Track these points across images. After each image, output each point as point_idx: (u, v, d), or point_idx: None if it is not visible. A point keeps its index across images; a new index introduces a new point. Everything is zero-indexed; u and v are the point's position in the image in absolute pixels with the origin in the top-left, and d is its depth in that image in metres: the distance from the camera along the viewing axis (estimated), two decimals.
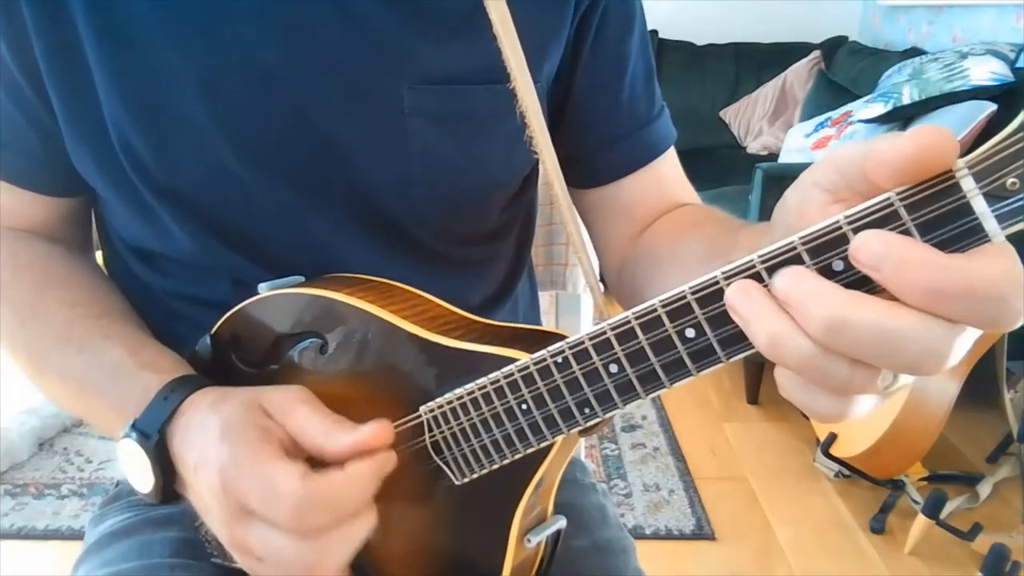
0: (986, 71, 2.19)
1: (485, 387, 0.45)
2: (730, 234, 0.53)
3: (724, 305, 0.34)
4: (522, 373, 0.43)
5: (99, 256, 0.70)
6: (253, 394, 0.49)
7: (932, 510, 1.65)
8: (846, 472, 1.91)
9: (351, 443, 0.46)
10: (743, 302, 0.33)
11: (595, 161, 0.67)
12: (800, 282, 0.31)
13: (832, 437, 1.85)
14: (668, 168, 0.69)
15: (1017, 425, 1.79)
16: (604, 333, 0.38)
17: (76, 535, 1.80)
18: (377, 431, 0.46)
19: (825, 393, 0.33)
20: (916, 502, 1.76)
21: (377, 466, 0.46)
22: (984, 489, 1.84)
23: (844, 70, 3.17)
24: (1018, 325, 0.29)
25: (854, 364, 0.31)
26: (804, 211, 0.34)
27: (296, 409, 0.48)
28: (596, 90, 0.65)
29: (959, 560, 1.68)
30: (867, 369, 0.31)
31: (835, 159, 0.33)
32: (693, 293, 0.35)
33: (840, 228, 0.31)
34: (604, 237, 0.71)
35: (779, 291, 0.32)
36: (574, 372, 0.40)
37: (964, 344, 0.30)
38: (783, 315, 0.32)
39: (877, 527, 1.78)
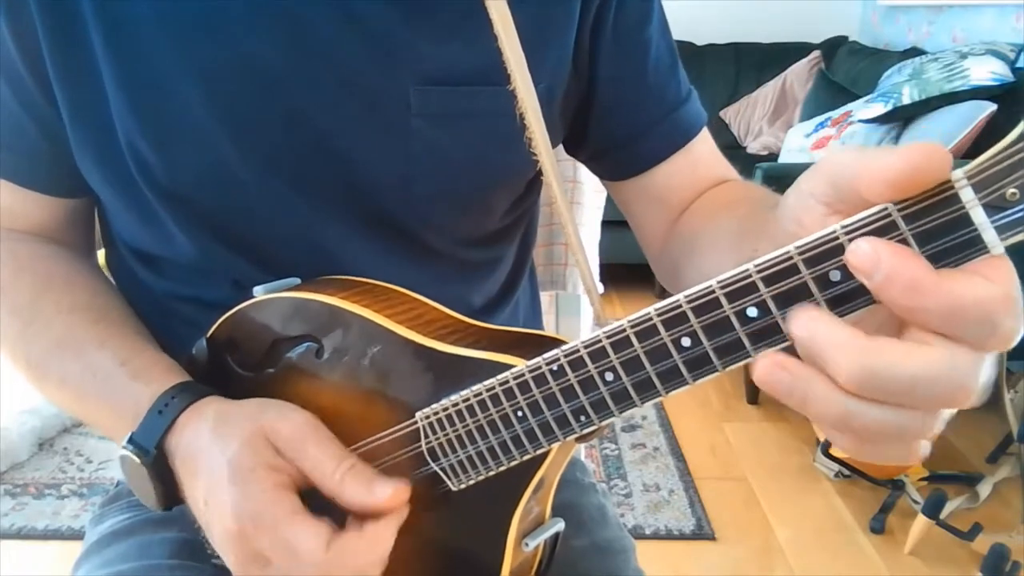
0: (986, 71, 2.19)
1: (480, 394, 0.44)
2: (760, 214, 0.51)
3: (720, 314, 0.34)
4: (517, 380, 0.42)
5: (101, 256, 0.70)
6: (257, 425, 0.48)
7: (932, 510, 1.65)
8: (846, 472, 1.91)
9: (369, 505, 0.46)
10: (787, 384, 0.32)
11: (628, 151, 0.67)
12: (818, 331, 0.31)
13: None
14: (702, 149, 0.68)
15: (1017, 425, 1.79)
16: (599, 341, 0.38)
17: (76, 535, 1.80)
18: (395, 495, 0.46)
19: (892, 443, 0.33)
20: (916, 502, 1.76)
21: (394, 525, 0.47)
22: (984, 489, 1.84)
23: (844, 70, 3.17)
24: (1012, 346, 0.29)
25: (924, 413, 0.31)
26: (801, 220, 0.34)
27: (307, 448, 0.47)
28: (621, 80, 0.64)
29: (959, 560, 1.68)
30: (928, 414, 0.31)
31: (827, 171, 0.33)
32: (688, 302, 0.35)
33: (837, 238, 0.31)
34: (644, 224, 0.70)
35: (798, 339, 0.31)
36: (569, 380, 0.40)
37: (988, 368, 0.30)
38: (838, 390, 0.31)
39: (877, 527, 1.78)
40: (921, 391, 0.29)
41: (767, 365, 0.32)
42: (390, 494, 0.46)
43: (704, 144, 0.68)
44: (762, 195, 0.60)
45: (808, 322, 0.31)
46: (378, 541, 0.46)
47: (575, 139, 0.68)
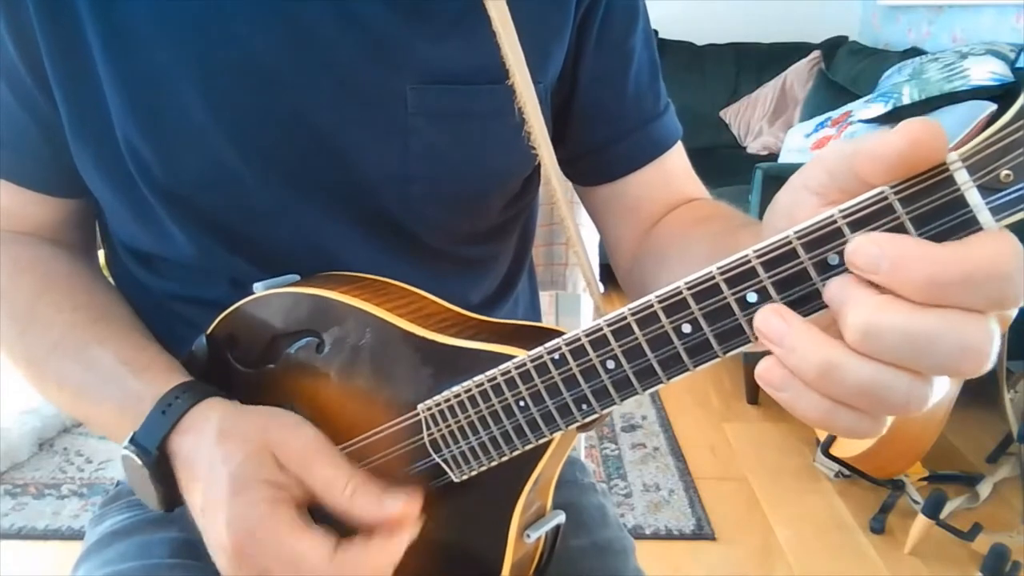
0: (986, 71, 2.19)
1: (482, 384, 0.45)
2: (732, 233, 0.53)
3: (720, 300, 0.34)
4: (519, 370, 0.43)
5: (101, 256, 0.70)
6: (264, 440, 0.47)
7: (932, 510, 1.65)
8: (846, 472, 1.90)
9: (380, 519, 0.46)
10: (782, 332, 0.32)
11: (602, 157, 0.67)
12: (842, 291, 0.31)
13: (832, 437, 1.85)
14: (675, 163, 0.69)
15: (1017, 425, 1.79)
16: (601, 329, 0.38)
17: (76, 535, 1.80)
18: (405, 508, 0.46)
19: (857, 412, 0.32)
20: (916, 502, 1.76)
21: (404, 539, 0.46)
22: (984, 489, 1.84)
23: (844, 70, 3.17)
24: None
25: (910, 376, 0.31)
26: (795, 214, 0.34)
27: (314, 465, 0.47)
28: (601, 86, 0.65)
29: (959, 560, 1.68)
30: (915, 379, 0.31)
31: (823, 160, 0.33)
32: (689, 288, 0.35)
33: (835, 222, 0.31)
34: (614, 235, 0.71)
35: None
36: (571, 369, 0.40)
37: (996, 335, 0.29)
38: (832, 340, 0.31)
39: (877, 527, 1.78)
40: (926, 349, 0.29)
41: (765, 311, 0.33)
42: (400, 508, 0.46)
43: (678, 159, 0.69)
44: (733, 213, 0.61)
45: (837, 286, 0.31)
46: (385, 551, 0.45)
47: (552, 141, 0.68)
